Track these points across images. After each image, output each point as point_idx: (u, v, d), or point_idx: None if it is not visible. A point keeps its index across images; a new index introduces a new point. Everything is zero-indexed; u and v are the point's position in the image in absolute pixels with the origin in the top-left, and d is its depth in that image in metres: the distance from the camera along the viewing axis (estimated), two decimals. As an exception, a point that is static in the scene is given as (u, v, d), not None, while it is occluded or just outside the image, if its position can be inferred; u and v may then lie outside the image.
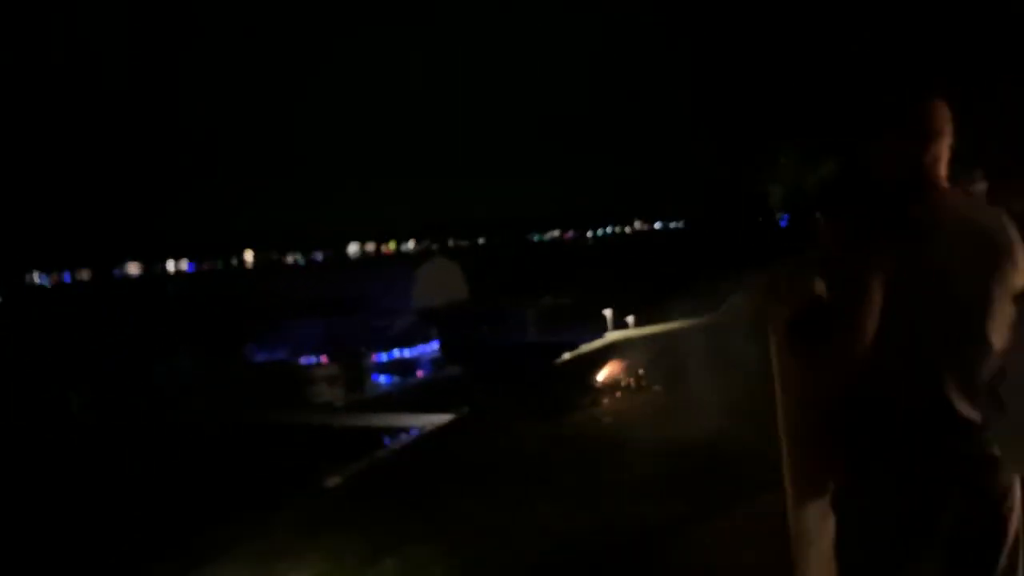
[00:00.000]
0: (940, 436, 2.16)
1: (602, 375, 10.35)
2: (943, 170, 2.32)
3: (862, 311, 2.13)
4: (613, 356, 11.59)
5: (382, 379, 21.16)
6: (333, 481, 9.89)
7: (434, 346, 22.78)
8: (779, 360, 3.31)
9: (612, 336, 15.02)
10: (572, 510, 5.37)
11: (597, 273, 33.20)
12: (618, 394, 9.17)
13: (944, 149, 2.30)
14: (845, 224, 2.40)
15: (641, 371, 9.85)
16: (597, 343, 14.40)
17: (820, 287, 2.42)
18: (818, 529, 3.09)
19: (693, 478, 5.48)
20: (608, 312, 17.34)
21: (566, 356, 14.07)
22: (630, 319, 16.83)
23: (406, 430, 14.57)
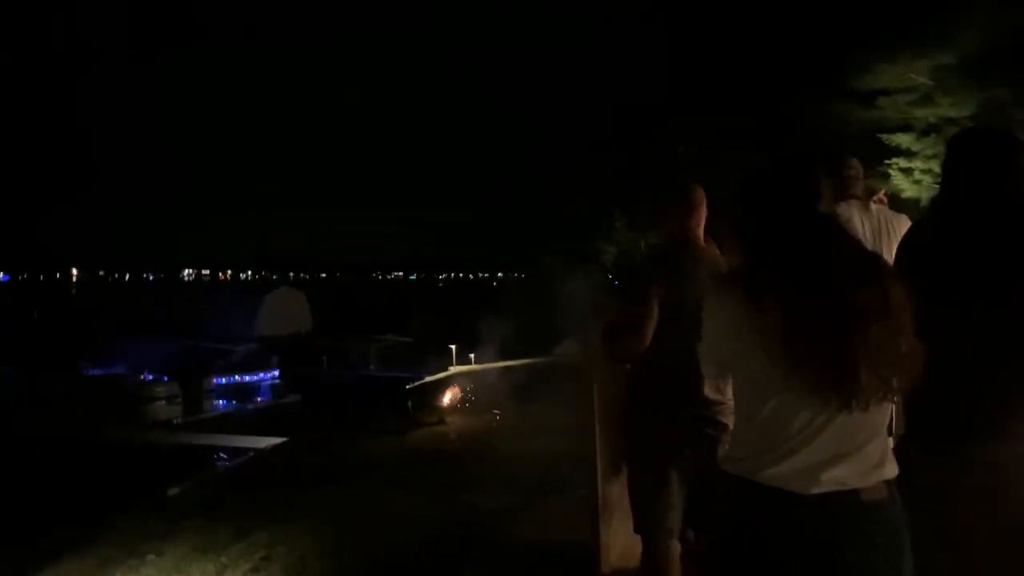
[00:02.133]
0: (687, 406, 3.35)
1: (446, 399, 11.32)
2: (700, 231, 3.60)
3: (645, 324, 3.33)
4: (456, 384, 12.62)
5: (221, 402, 21.15)
6: (176, 491, 10.25)
7: (275, 374, 22.95)
8: (595, 362, 4.51)
9: (455, 369, 16.03)
10: (416, 501, 6.30)
11: (442, 314, 34.29)
12: (459, 416, 10.18)
13: (701, 217, 3.58)
14: (637, 267, 3.62)
15: (480, 397, 10.92)
16: (441, 374, 15.35)
17: (621, 308, 3.62)
18: (619, 498, 4.22)
19: (520, 479, 6.51)
20: (453, 347, 18.38)
21: (412, 384, 14.89)
22: (472, 356, 17.92)
23: (247, 449, 14.88)
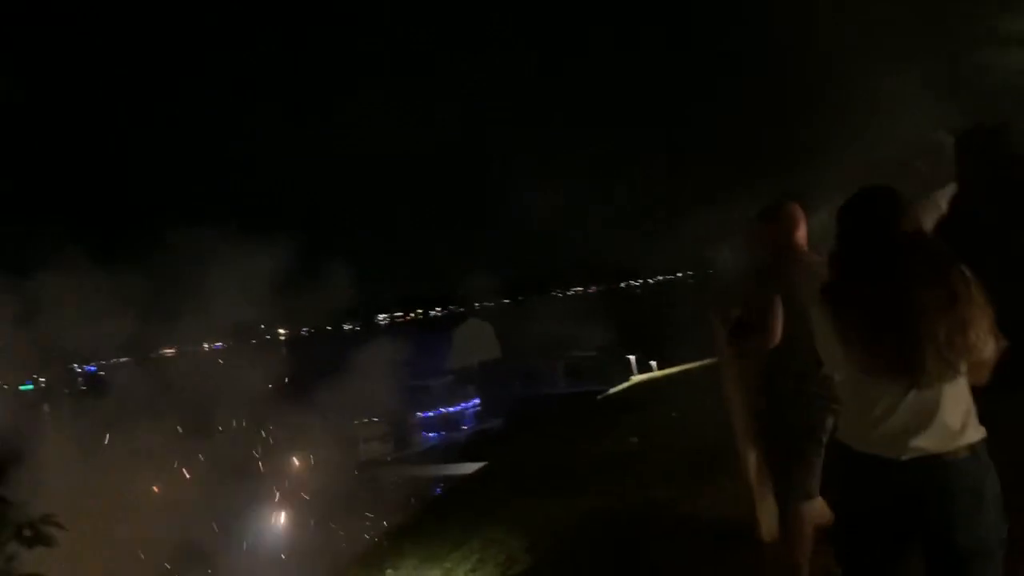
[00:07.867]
0: (810, 387, 3.98)
1: (627, 409, 12.01)
2: (803, 241, 4.25)
3: (774, 323, 4.00)
4: (637, 395, 13.28)
5: (431, 435, 22.70)
6: (399, 518, 11.53)
7: (475, 402, 24.34)
8: (723, 358, 5.21)
9: (636, 378, 16.74)
10: (600, 499, 7.08)
11: (623, 322, 34.86)
12: (640, 420, 10.84)
13: (803, 230, 4.23)
14: (755, 274, 4.30)
15: (661, 402, 11.59)
16: (624, 385, 16.10)
17: (748, 310, 4.30)
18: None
19: (689, 474, 7.13)
20: (632, 357, 19.15)
21: (599, 397, 15.71)
22: (653, 363, 18.58)
23: (454, 476, 16.22)
